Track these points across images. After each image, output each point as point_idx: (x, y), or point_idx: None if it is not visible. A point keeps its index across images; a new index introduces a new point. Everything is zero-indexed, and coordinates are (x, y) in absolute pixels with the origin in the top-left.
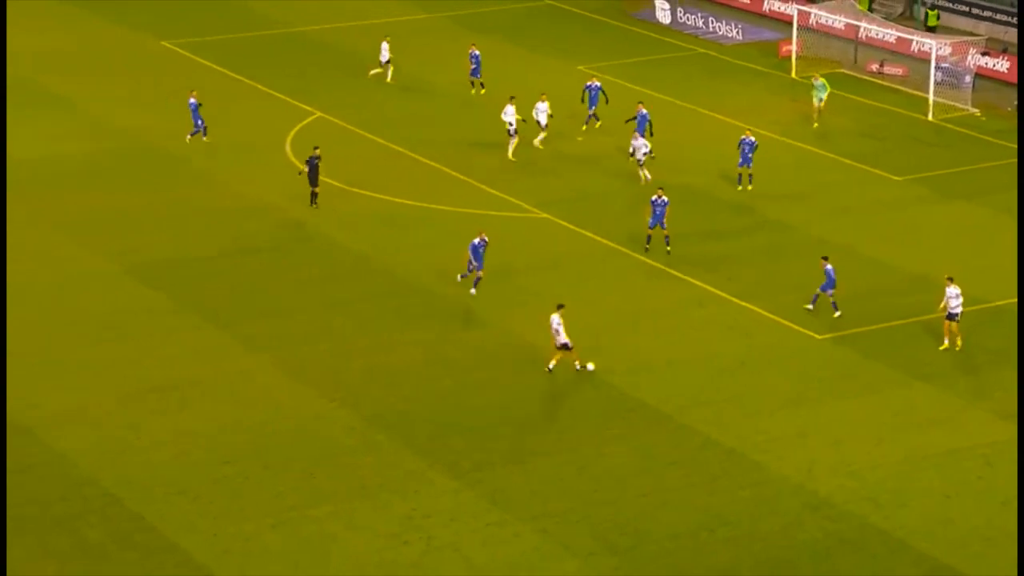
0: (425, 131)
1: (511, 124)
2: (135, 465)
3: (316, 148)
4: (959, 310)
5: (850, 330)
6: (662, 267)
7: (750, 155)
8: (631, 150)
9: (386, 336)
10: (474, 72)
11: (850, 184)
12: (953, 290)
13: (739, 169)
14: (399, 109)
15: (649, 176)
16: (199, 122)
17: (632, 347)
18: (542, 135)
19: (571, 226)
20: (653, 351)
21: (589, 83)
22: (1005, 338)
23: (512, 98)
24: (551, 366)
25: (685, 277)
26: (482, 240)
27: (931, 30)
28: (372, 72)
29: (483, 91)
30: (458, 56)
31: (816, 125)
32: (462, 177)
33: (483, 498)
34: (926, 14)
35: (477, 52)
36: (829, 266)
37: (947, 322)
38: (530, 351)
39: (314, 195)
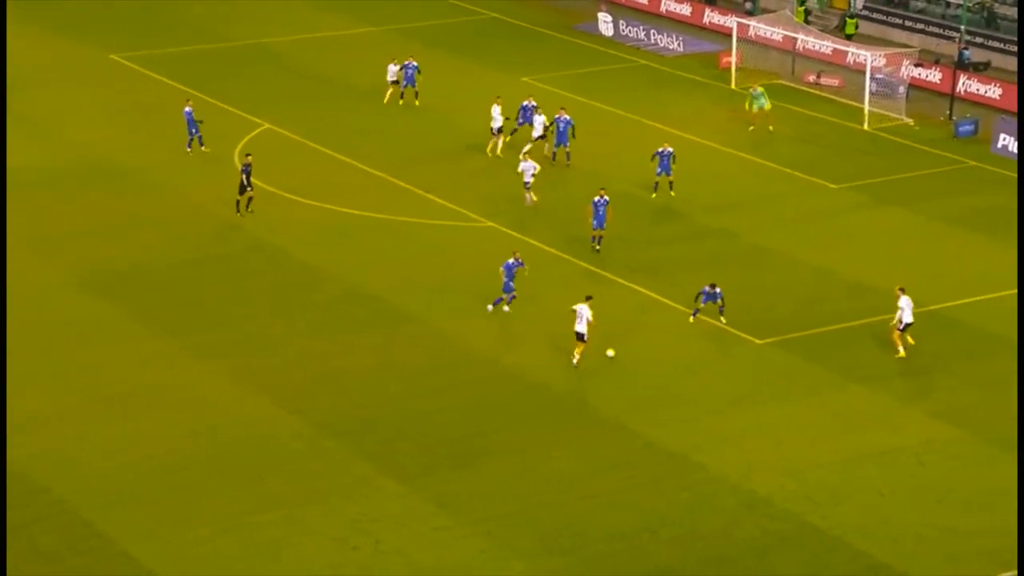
0: (372, 142)
1: (496, 122)
2: (88, 473)
3: (248, 155)
4: (911, 319)
5: (790, 335)
6: (606, 273)
7: (669, 164)
8: (520, 170)
9: (336, 343)
10: (409, 82)
11: (789, 192)
12: (906, 300)
13: (656, 178)
14: (347, 121)
15: (535, 199)
16: (194, 131)
17: (584, 353)
18: (502, 140)
19: (516, 234)
20: (596, 357)
21: (558, 116)
22: (941, 342)
23: (498, 97)
24: (575, 360)
25: (628, 283)
26: (516, 260)
27: (849, 38)
28: (391, 93)
29: (417, 102)
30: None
31: (752, 128)
32: (408, 187)
33: (430, 502)
34: (844, 21)
35: (415, 63)
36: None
37: (899, 333)
38: (477, 357)
39: (249, 200)
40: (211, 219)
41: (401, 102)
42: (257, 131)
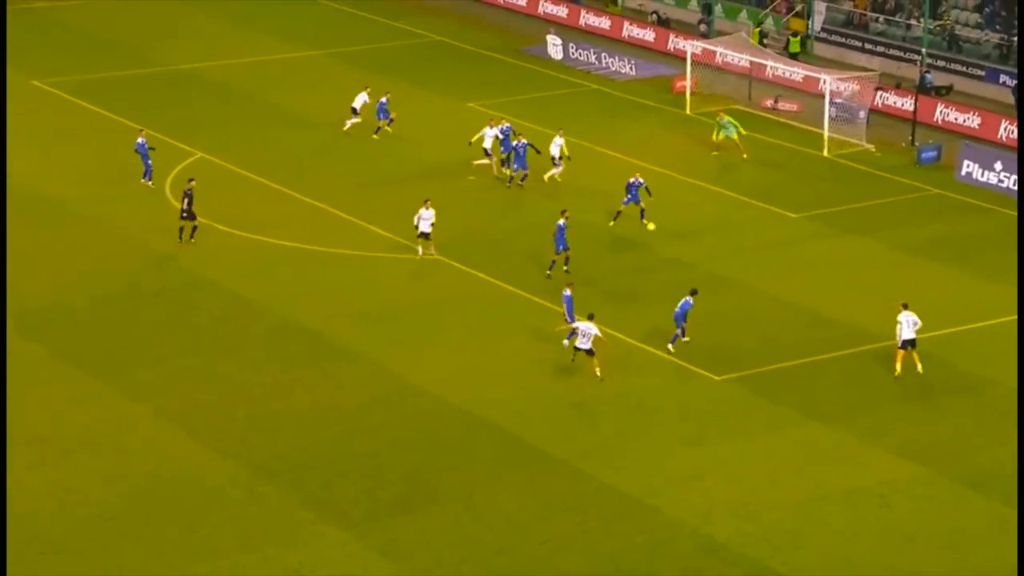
0: (311, 170)
1: (555, 156)
2: (11, 522)
3: (191, 180)
4: (910, 336)
5: (748, 370)
6: (556, 307)
7: (637, 194)
8: (416, 220)
9: (273, 381)
10: (384, 115)
11: (746, 221)
12: (905, 316)
13: (622, 207)
14: (284, 148)
15: (424, 252)
16: (148, 163)
17: (530, 391)
18: (554, 170)
19: (464, 267)
20: (547, 393)
21: (517, 142)
22: (905, 377)
23: (560, 131)
24: (598, 373)
25: (578, 317)
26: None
27: (793, 57)
28: (350, 123)
29: (390, 128)
30: (345, 94)
31: (716, 154)
32: (350, 218)
33: (374, 549)
34: (787, 40)
35: (384, 99)
36: (905, 314)
37: (901, 351)
38: (422, 393)
39: (193, 229)
40: (142, 252)
41: (376, 137)
42: (190, 160)
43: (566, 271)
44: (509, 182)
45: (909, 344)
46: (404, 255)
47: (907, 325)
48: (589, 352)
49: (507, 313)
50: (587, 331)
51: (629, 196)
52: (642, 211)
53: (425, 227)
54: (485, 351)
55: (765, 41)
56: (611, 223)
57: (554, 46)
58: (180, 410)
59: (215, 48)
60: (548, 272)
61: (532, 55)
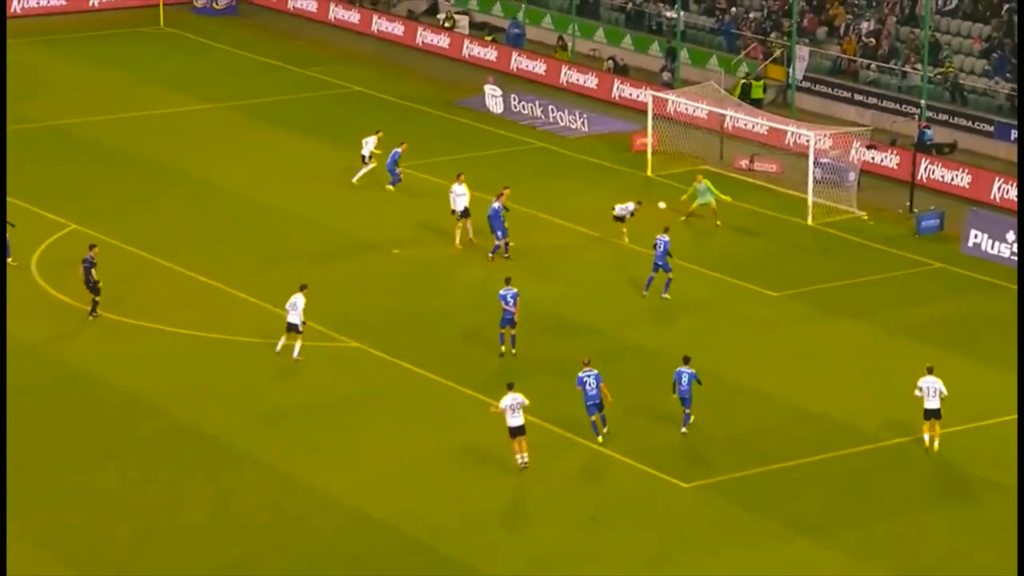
0: (209, 245)
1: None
2: None
3: (93, 247)
4: (935, 405)
5: (722, 476)
6: (498, 402)
7: (663, 257)
8: (289, 303)
9: (161, 495)
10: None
11: (719, 301)
12: (928, 381)
13: (653, 273)
14: (174, 218)
15: (299, 356)
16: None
17: (463, 502)
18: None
19: (386, 356)
20: (487, 505)
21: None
22: (903, 483)
23: (460, 174)
24: (525, 459)
25: (528, 416)
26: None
27: (756, 103)
28: (361, 174)
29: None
30: (248, 152)
31: (683, 219)
32: (254, 300)
33: None
34: (750, 85)
35: (398, 150)
36: (928, 379)
37: (925, 421)
38: (336, 506)
39: (94, 305)
40: (9, 343)
41: (391, 188)
42: (61, 233)
43: (500, 355)
44: (493, 252)
45: (933, 415)
46: (318, 343)
47: (930, 393)
48: (521, 430)
49: (436, 409)
50: (516, 403)
51: (658, 260)
52: (668, 281)
53: (294, 318)
54: (410, 455)
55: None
56: (643, 294)
57: (493, 97)
58: (51, 531)
59: (91, 101)
60: (490, 255)
61: (467, 107)
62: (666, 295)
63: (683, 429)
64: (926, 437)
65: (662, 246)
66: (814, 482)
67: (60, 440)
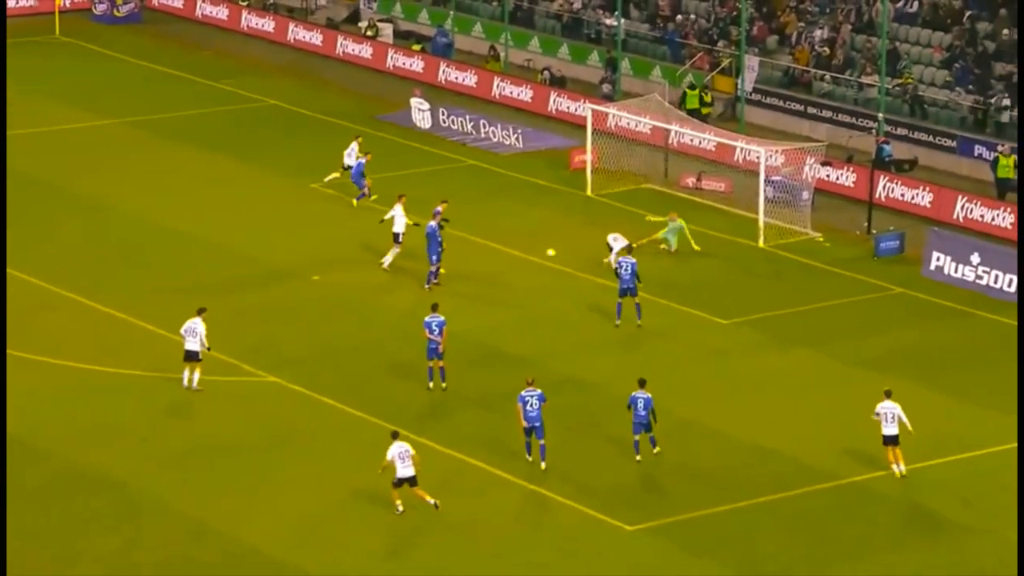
0: (110, 272)
1: (398, 232)
2: None
3: None
4: (893, 431)
5: (667, 518)
6: (429, 443)
7: (631, 280)
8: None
9: (59, 548)
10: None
11: (665, 330)
12: (886, 407)
13: (620, 299)
14: (71, 244)
15: (199, 387)
16: None
17: (387, 550)
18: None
19: (306, 391)
20: (416, 553)
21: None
22: (864, 523)
23: (402, 196)
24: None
25: (454, 453)
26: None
27: (694, 113)
28: (331, 177)
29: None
30: (152, 173)
31: (638, 245)
32: (161, 331)
33: None
34: (684, 94)
35: (362, 161)
36: (886, 403)
37: (887, 448)
38: (256, 560)
39: None
40: None
41: (355, 204)
42: None
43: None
44: (429, 280)
45: (891, 441)
46: (230, 377)
47: (888, 418)
48: (412, 481)
49: (361, 449)
50: (403, 453)
51: (624, 284)
52: (637, 306)
53: (195, 345)
54: (334, 499)
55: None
56: (617, 323)
57: (420, 111)
58: None
59: None
60: (427, 286)
61: (392, 123)
62: (640, 322)
63: (655, 449)
64: (895, 467)
65: (629, 268)
66: (769, 524)
67: None
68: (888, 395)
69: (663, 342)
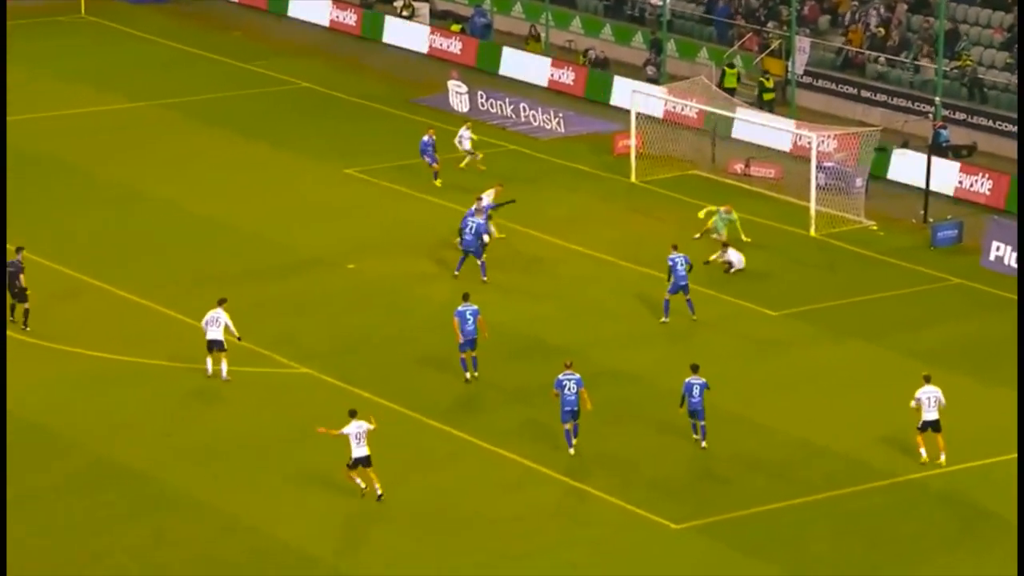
0: (137, 260)
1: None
2: None
3: (19, 249)
4: (934, 416)
5: (715, 516)
6: (466, 436)
7: (685, 277)
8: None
9: (86, 543)
10: (431, 160)
11: (712, 322)
12: (926, 391)
13: (670, 295)
14: (100, 230)
15: (227, 376)
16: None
17: (424, 545)
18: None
19: (340, 383)
20: (453, 550)
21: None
22: (918, 523)
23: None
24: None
25: (498, 449)
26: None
27: (731, 92)
28: (465, 162)
29: (438, 182)
30: (182, 157)
31: (697, 237)
32: (188, 320)
33: None
34: (722, 72)
35: (434, 138)
36: (927, 387)
37: (921, 433)
38: (285, 554)
39: (26, 313)
40: None
41: (438, 182)
42: None
43: (466, 380)
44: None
45: (931, 426)
46: (261, 368)
47: (930, 403)
48: (366, 461)
49: (396, 442)
50: (360, 433)
51: (676, 281)
52: (688, 302)
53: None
54: (365, 498)
55: (738, 86)
56: (662, 319)
57: (458, 94)
58: None
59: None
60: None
61: (428, 106)
62: (695, 316)
63: (703, 444)
64: (923, 452)
65: (683, 264)
66: (820, 523)
67: None
68: (928, 380)
69: (710, 334)
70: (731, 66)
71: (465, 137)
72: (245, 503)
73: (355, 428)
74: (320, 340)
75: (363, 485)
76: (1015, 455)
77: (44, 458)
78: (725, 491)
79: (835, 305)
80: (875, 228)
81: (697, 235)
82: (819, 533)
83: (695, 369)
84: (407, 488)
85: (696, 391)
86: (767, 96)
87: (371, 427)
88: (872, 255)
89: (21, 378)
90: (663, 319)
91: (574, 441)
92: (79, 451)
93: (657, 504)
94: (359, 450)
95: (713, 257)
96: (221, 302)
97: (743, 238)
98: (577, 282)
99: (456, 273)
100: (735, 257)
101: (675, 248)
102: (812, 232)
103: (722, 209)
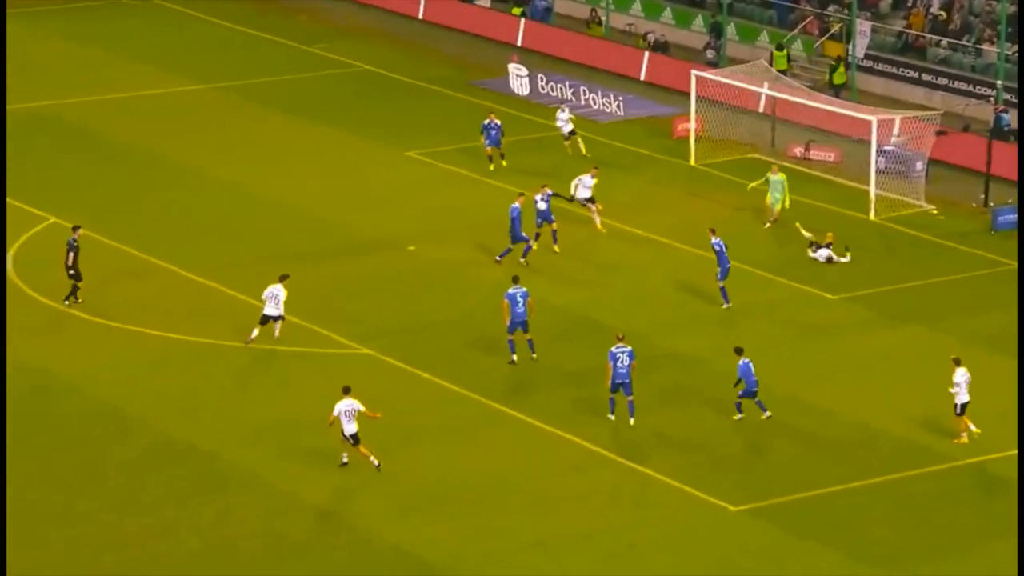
0: (201, 241)
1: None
2: None
3: (77, 228)
4: (968, 398)
5: (773, 499)
6: (526, 418)
7: (727, 261)
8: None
9: (151, 518)
10: (494, 143)
11: (771, 305)
12: (962, 374)
13: (723, 282)
14: (165, 211)
15: (279, 335)
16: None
17: (485, 525)
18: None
19: (402, 364)
20: (512, 530)
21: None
22: (978, 509)
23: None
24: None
25: (556, 430)
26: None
27: (838, 90)
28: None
29: (504, 163)
30: (244, 139)
31: (768, 225)
32: (252, 302)
33: None
34: (771, 55)
35: (498, 122)
36: (961, 370)
37: (963, 418)
38: (344, 532)
39: (75, 289)
40: None
41: (492, 167)
42: (39, 227)
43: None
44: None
45: (965, 407)
46: (323, 349)
47: (966, 386)
48: (355, 439)
49: (456, 424)
50: (349, 411)
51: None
52: (722, 290)
53: (273, 311)
54: (428, 475)
55: (795, 71)
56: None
57: (518, 77)
58: (28, 557)
59: (68, 80)
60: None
61: (488, 89)
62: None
63: (767, 413)
64: (964, 434)
65: (719, 248)
66: (878, 507)
67: (34, 459)
68: (958, 363)
69: (768, 318)
70: (779, 48)
71: (563, 119)
72: (307, 480)
73: (344, 406)
74: (382, 321)
75: (346, 460)
76: None
77: (113, 436)
78: (783, 474)
79: (894, 289)
80: (935, 212)
81: (767, 224)
82: (876, 517)
83: (740, 352)
84: (466, 467)
85: (753, 370)
86: (838, 80)
87: (361, 408)
88: (932, 239)
89: (90, 357)
90: (725, 305)
91: (632, 414)
92: (146, 429)
93: (715, 486)
94: (348, 427)
95: (812, 256)
96: (283, 278)
97: (785, 204)
98: (635, 265)
99: (524, 259)
100: (822, 254)
101: (713, 232)
102: (872, 216)
103: (769, 175)
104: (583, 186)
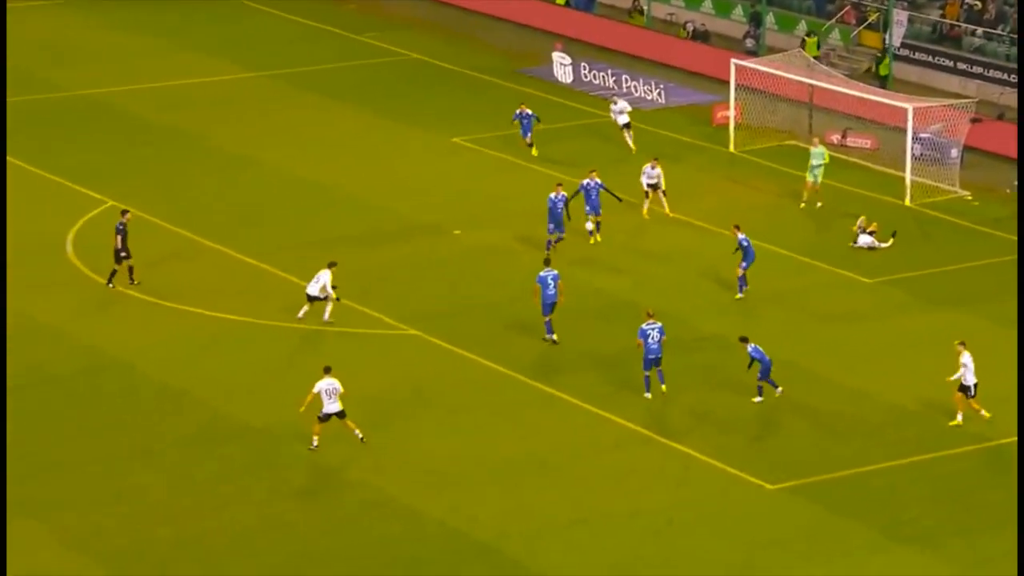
0: (254, 224)
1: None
2: None
3: (126, 212)
4: (974, 379)
5: (810, 477)
6: (567, 397)
7: (752, 257)
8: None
9: (205, 494)
10: (525, 132)
11: (808, 289)
12: (968, 357)
13: (744, 271)
14: (216, 195)
15: (329, 319)
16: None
17: (528, 503)
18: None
19: (447, 345)
20: (555, 508)
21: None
22: (1010, 489)
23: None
24: (359, 435)
25: (596, 410)
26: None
27: (884, 81)
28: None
29: (534, 152)
30: (294, 126)
31: (804, 204)
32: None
33: None
34: (802, 42)
35: (529, 111)
36: (967, 354)
37: (960, 396)
38: (391, 506)
39: (130, 270)
40: (38, 332)
41: (534, 152)
42: (97, 210)
43: (553, 340)
44: (549, 246)
45: (972, 388)
46: (372, 330)
47: (971, 367)
48: (341, 415)
49: (499, 403)
50: (331, 389)
51: (747, 259)
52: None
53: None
54: (472, 449)
55: (832, 60)
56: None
57: (562, 66)
58: (84, 530)
59: (123, 68)
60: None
61: (534, 77)
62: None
63: (778, 390)
64: (960, 416)
65: (746, 243)
66: (913, 486)
67: (92, 436)
68: (964, 345)
69: (806, 301)
70: (810, 35)
71: (616, 111)
72: (355, 458)
73: (325, 385)
74: (428, 303)
75: (316, 443)
76: None
77: (167, 414)
78: (819, 453)
79: (929, 274)
80: (970, 198)
81: (802, 204)
82: (911, 496)
83: (745, 340)
84: (509, 447)
85: (762, 353)
86: (884, 71)
87: (341, 390)
88: (966, 225)
89: (144, 336)
90: (739, 295)
91: (663, 387)
92: (199, 407)
93: (752, 465)
94: (331, 406)
95: (856, 245)
96: (331, 265)
97: (819, 178)
98: (676, 250)
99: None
100: (864, 241)
101: (738, 228)
102: (907, 202)
103: (811, 147)
104: (647, 176)
